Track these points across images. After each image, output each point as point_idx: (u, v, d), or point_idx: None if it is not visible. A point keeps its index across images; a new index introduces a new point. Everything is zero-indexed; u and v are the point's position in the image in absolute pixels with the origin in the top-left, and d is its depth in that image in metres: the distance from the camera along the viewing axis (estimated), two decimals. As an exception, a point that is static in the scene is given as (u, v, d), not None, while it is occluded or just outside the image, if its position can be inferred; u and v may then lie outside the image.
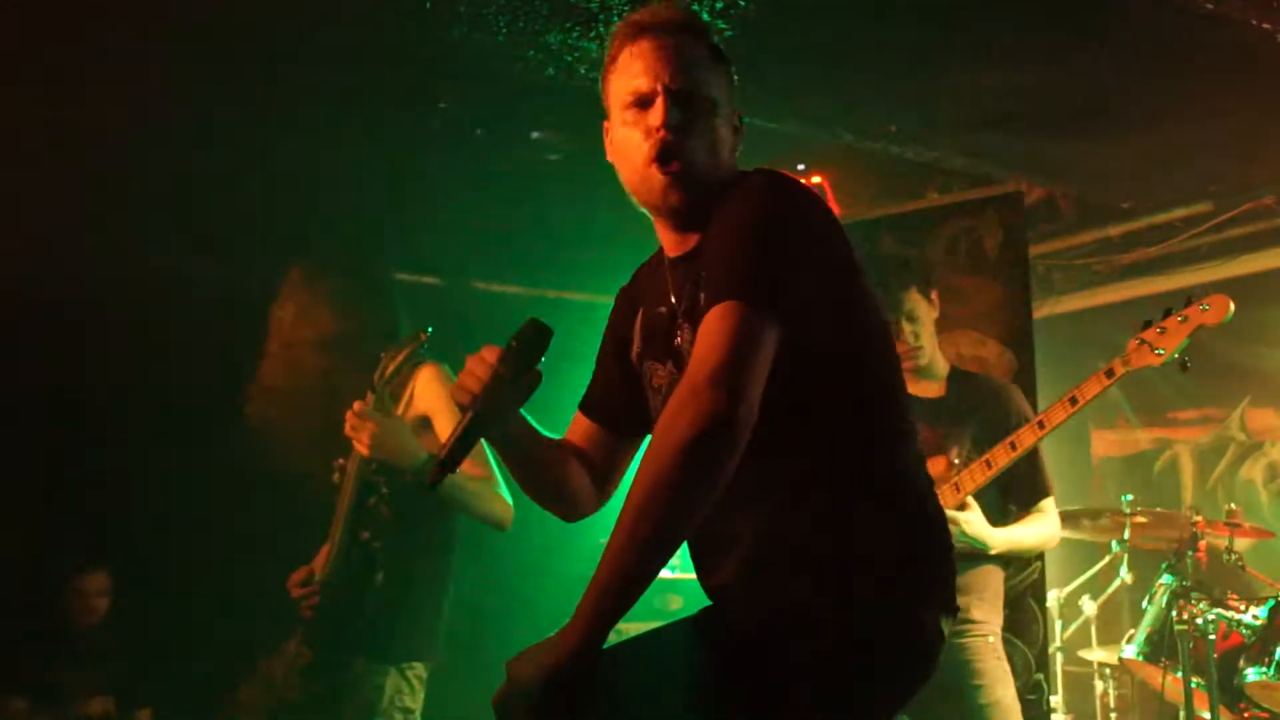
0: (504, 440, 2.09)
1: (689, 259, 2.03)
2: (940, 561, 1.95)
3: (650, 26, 1.99)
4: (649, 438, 1.81)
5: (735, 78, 2.07)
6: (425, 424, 3.36)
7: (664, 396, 2.07)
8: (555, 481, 2.17)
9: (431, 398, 3.35)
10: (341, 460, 3.34)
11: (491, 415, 1.98)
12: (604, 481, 2.25)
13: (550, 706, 1.66)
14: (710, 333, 1.76)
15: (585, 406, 2.27)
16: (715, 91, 1.99)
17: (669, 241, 2.10)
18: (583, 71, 4.30)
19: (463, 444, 1.99)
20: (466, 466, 3.32)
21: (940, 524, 1.97)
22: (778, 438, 1.80)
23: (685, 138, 1.95)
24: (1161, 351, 3.39)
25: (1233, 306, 3.37)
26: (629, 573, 1.68)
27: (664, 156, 1.95)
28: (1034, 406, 4.77)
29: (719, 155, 1.99)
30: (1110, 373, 3.41)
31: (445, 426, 3.31)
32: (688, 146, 1.95)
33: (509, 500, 3.32)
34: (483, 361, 1.96)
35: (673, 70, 1.96)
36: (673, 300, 2.06)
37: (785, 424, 1.82)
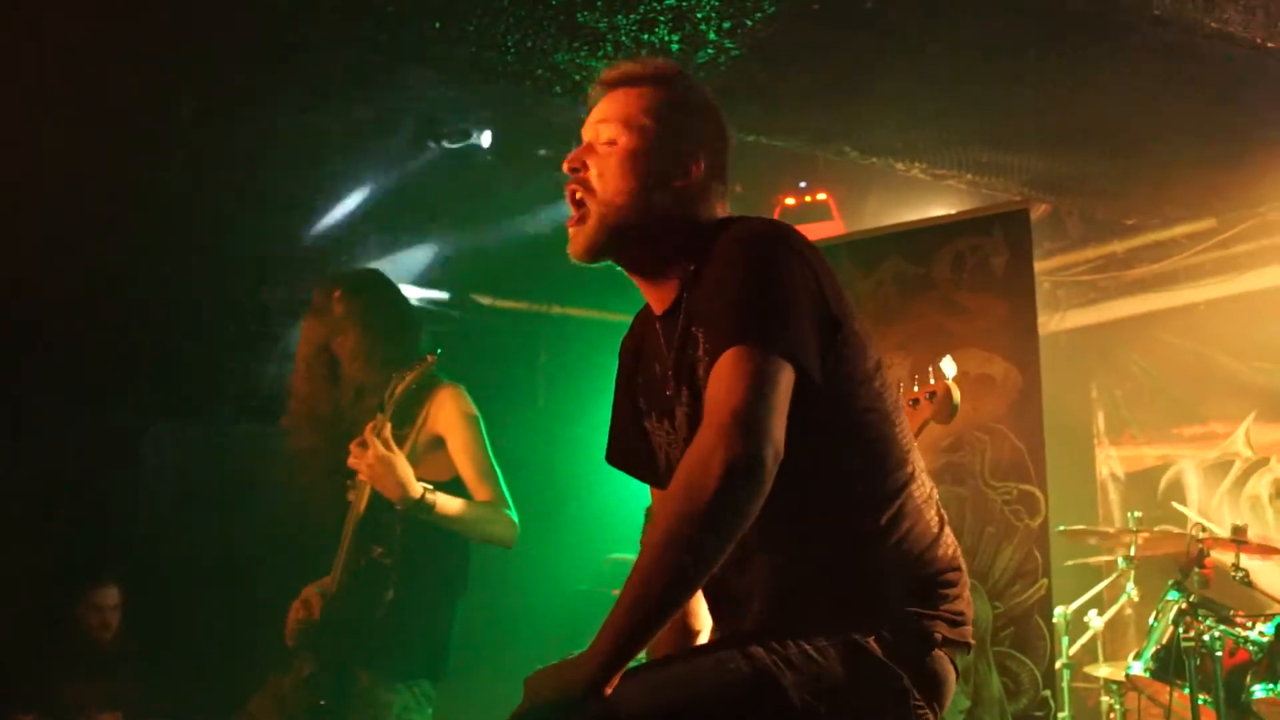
0: None
1: (673, 313, 2.03)
2: (953, 600, 1.94)
3: (598, 84, 2.09)
4: None
5: (688, 114, 2.05)
6: (438, 443, 3.38)
7: (664, 453, 2.08)
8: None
9: (446, 419, 3.38)
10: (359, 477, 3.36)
11: None
12: None
13: None
14: (724, 377, 1.75)
15: (609, 457, 2.25)
16: (624, 133, 2.00)
17: (650, 297, 2.10)
18: (589, 90, 4.32)
19: None
20: (474, 486, 3.35)
21: (953, 563, 1.96)
22: (781, 488, 1.76)
23: (581, 175, 2.01)
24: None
25: (957, 399, 3.34)
26: (651, 608, 1.67)
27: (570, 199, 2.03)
28: (1040, 423, 4.79)
29: (622, 184, 1.98)
30: None
31: (458, 448, 3.34)
32: (582, 181, 2.01)
33: (514, 519, 3.34)
34: None
35: (586, 125, 2.06)
36: (665, 355, 2.05)
37: (788, 473, 1.78)
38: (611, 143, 2.01)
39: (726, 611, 2.01)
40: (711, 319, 1.87)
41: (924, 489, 1.99)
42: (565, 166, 2.04)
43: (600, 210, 1.99)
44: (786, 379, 1.76)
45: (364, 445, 3.16)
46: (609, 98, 2.05)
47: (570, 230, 2.02)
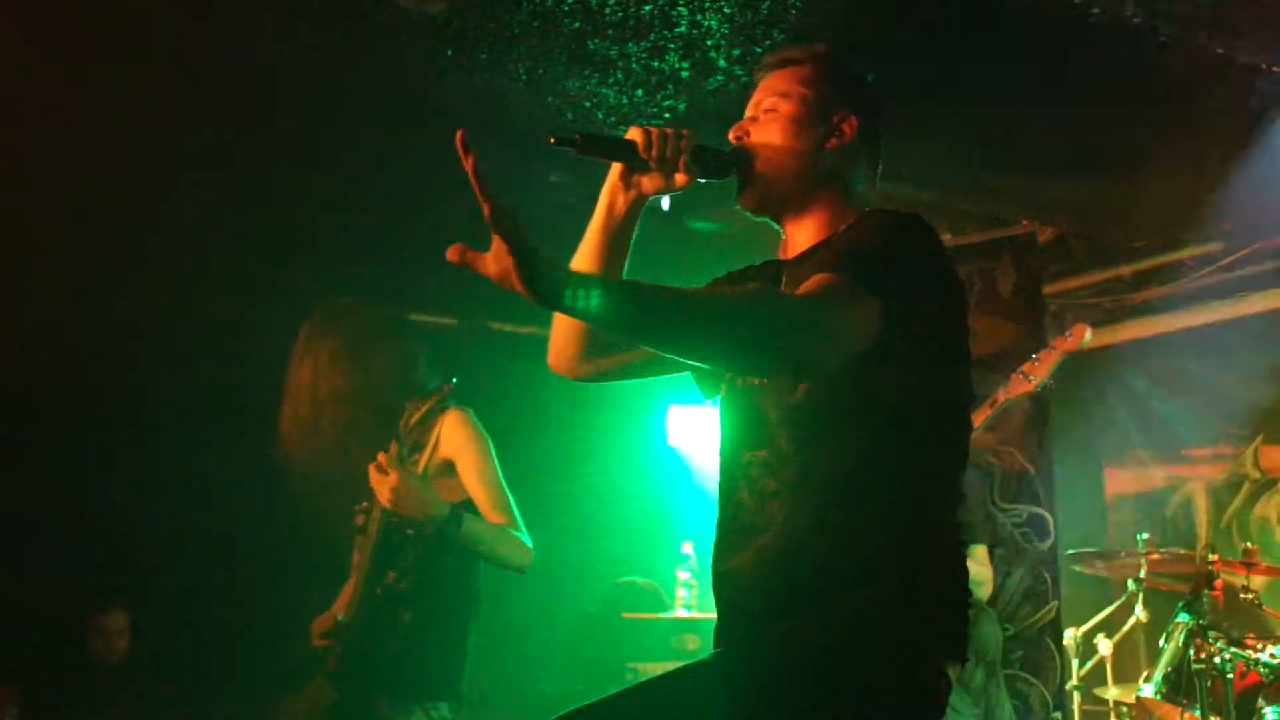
0: (617, 207, 2.19)
1: (801, 261, 2.13)
2: (956, 613, 1.96)
3: (759, 69, 2.29)
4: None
5: (841, 84, 2.23)
6: (449, 468, 3.40)
7: (732, 389, 2.14)
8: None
9: (456, 443, 3.40)
10: (364, 503, 3.38)
11: (649, 167, 2.10)
12: (603, 350, 2.29)
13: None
14: (809, 284, 1.83)
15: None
16: (781, 101, 2.17)
17: (785, 245, 2.23)
18: (600, 116, 4.37)
19: (607, 147, 2.13)
20: (487, 510, 3.37)
21: (963, 581, 1.99)
22: (834, 445, 1.86)
23: (745, 140, 2.19)
24: (1033, 378, 3.88)
25: (1089, 334, 3.87)
26: (615, 304, 1.67)
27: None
28: (1049, 446, 4.81)
29: (783, 144, 2.14)
30: (994, 402, 3.91)
31: (470, 472, 3.36)
32: (748, 141, 2.17)
33: (528, 544, 3.36)
34: (683, 134, 2.10)
35: (748, 105, 2.24)
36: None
37: (845, 435, 1.89)
38: (771, 110, 2.17)
39: (736, 533, 2.03)
40: (828, 259, 1.94)
41: (960, 510, 2.04)
42: (731, 135, 2.20)
43: (760, 169, 2.14)
44: (865, 313, 1.81)
45: (382, 470, 3.18)
46: (768, 78, 2.23)
47: (739, 187, 2.19)
